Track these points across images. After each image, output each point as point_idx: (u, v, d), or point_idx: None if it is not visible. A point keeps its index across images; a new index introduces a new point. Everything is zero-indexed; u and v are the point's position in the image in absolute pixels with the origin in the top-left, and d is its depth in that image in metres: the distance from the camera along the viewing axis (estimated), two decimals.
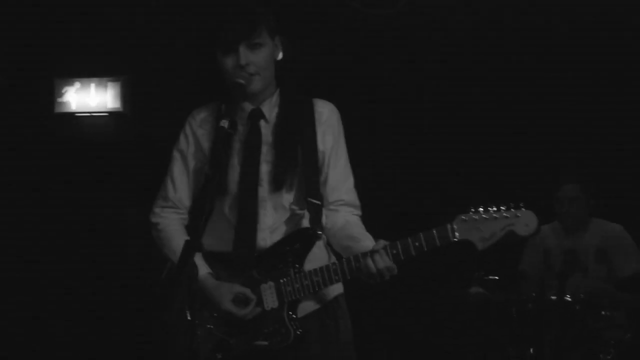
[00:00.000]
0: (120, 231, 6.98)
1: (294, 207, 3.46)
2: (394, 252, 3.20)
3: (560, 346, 5.11)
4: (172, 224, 3.55)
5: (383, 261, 3.20)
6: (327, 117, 3.52)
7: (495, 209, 3.15)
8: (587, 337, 5.14)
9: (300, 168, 3.43)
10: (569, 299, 5.15)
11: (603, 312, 5.21)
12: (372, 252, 3.22)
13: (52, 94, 7.27)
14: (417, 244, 3.19)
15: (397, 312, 6.56)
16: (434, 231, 3.19)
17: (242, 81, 3.30)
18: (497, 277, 5.42)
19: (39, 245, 7.01)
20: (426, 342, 6.57)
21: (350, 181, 3.57)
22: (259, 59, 3.36)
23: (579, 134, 6.37)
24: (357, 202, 3.58)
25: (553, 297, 5.15)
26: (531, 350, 5.21)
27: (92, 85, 7.25)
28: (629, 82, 6.32)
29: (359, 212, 3.58)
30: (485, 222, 3.13)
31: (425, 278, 6.17)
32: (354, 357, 3.52)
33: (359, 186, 3.62)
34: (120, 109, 7.21)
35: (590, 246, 5.69)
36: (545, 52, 6.44)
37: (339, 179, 3.52)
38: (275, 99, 3.51)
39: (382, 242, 3.25)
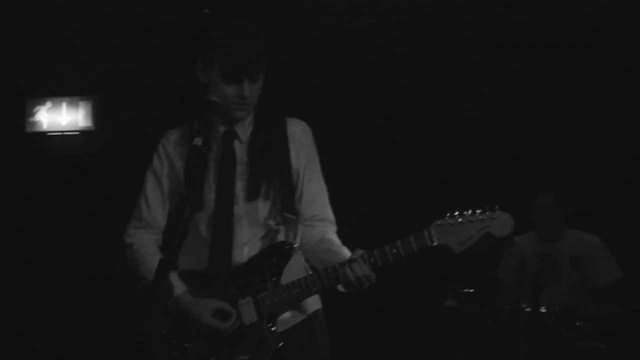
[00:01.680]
0: (93, 250, 6.95)
1: (269, 222, 3.46)
2: (372, 260, 3.21)
3: (535, 357, 5.12)
4: (146, 244, 3.53)
5: (361, 269, 3.20)
6: (299, 135, 3.53)
7: (470, 212, 3.18)
8: (561, 348, 5.15)
9: (274, 183, 3.44)
10: (543, 311, 5.16)
11: (577, 323, 5.23)
12: (350, 261, 3.23)
13: (23, 114, 7.26)
14: (394, 250, 3.20)
15: (372, 326, 6.56)
16: (411, 237, 3.20)
17: (241, 114, 3.36)
18: (471, 290, 5.44)
19: (9, 263, 6.97)
20: (401, 355, 6.57)
21: (325, 197, 3.58)
22: (257, 91, 3.40)
23: (557, 143, 6.40)
24: (332, 217, 3.58)
25: (527, 309, 5.17)
26: None
27: (64, 104, 7.25)
28: (610, 90, 6.36)
29: (335, 228, 3.58)
30: (462, 226, 3.16)
31: (400, 291, 6.18)
32: None
33: (336, 194, 3.62)
34: (92, 128, 7.22)
35: (566, 251, 5.73)
36: (523, 60, 6.47)
37: (314, 195, 3.53)
38: (249, 119, 3.52)
39: (360, 251, 3.26)
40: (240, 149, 3.48)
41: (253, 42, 3.37)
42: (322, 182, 3.58)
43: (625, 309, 5.62)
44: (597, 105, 6.38)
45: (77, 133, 7.28)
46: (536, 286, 5.22)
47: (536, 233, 5.86)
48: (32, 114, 7.27)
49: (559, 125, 6.43)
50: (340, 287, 3.30)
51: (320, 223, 3.53)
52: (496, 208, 3.17)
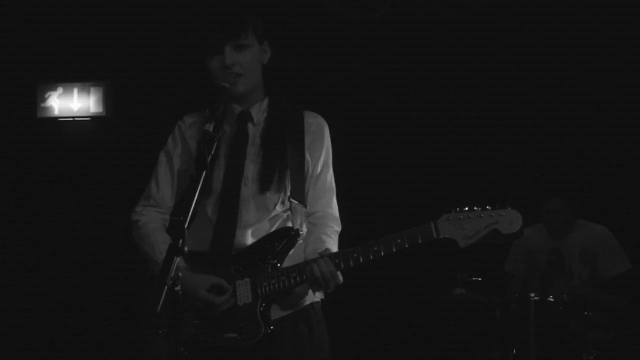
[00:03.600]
0: (104, 235, 6.96)
1: (278, 208, 3.45)
2: (375, 248, 3.20)
3: (544, 347, 5.13)
4: (152, 221, 3.54)
5: (327, 265, 3.21)
6: (315, 128, 3.54)
7: (480, 208, 3.17)
8: (570, 338, 5.17)
9: (287, 170, 3.44)
10: (552, 300, 5.17)
11: (586, 313, 5.24)
12: (317, 258, 3.25)
13: (34, 99, 7.25)
14: (398, 240, 3.19)
15: (380, 315, 6.57)
16: (417, 228, 3.20)
17: (226, 84, 3.32)
18: (480, 279, 5.44)
19: (20, 250, 6.98)
20: (410, 344, 6.58)
21: (330, 193, 3.56)
22: (244, 59, 3.38)
23: (566, 137, 6.40)
24: (335, 214, 3.56)
25: (536, 298, 5.17)
26: (514, 351, 5.23)
27: (75, 90, 7.23)
28: (617, 88, 6.35)
29: (337, 226, 3.55)
30: (469, 221, 3.15)
31: (408, 280, 6.18)
32: None
33: (346, 189, 3.62)
34: (103, 114, 7.20)
35: (575, 246, 5.73)
36: (531, 56, 6.47)
37: (320, 190, 3.52)
38: (265, 104, 3.53)
39: (328, 250, 3.28)
40: (253, 131, 3.49)
41: (228, 10, 3.41)
42: (330, 179, 3.57)
43: (634, 299, 5.62)
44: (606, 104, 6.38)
45: (88, 119, 7.28)
46: (545, 280, 5.22)
47: (545, 227, 5.85)
48: (44, 99, 7.26)
49: (567, 119, 6.43)
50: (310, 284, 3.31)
51: (321, 221, 3.51)
52: (507, 205, 3.16)
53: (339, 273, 3.24)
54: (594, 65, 6.35)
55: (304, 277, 3.27)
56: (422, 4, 6.44)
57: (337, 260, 3.23)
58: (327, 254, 3.25)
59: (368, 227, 3.45)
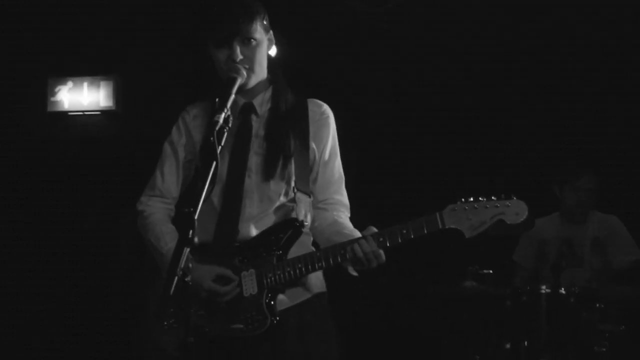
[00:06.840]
0: (113, 229, 6.97)
1: (282, 199, 3.45)
2: (380, 239, 3.20)
3: (555, 339, 5.11)
4: (157, 212, 3.54)
5: (370, 245, 3.19)
6: (320, 116, 3.53)
7: (486, 199, 3.16)
8: (581, 330, 5.15)
9: (290, 162, 3.44)
10: (563, 292, 5.15)
11: (597, 305, 5.21)
12: (359, 238, 3.23)
13: (45, 93, 7.28)
14: (404, 231, 3.18)
15: (391, 307, 6.57)
16: (422, 219, 3.19)
17: (235, 75, 3.31)
18: (491, 271, 5.43)
19: (30, 245, 7.00)
20: (421, 337, 6.57)
21: (340, 181, 3.57)
22: (252, 54, 3.37)
23: (576, 128, 6.38)
24: (346, 201, 3.57)
25: (547, 290, 5.16)
26: (525, 343, 5.21)
27: (85, 84, 7.26)
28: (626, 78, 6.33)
29: (348, 213, 3.56)
30: (475, 211, 3.13)
31: (419, 273, 6.18)
32: (336, 354, 3.47)
33: (352, 177, 3.62)
34: (113, 108, 7.23)
35: (587, 237, 5.71)
36: (537, 46, 6.45)
37: (329, 178, 3.53)
38: (268, 94, 3.52)
39: (372, 229, 3.25)
40: (257, 123, 3.49)
41: (238, 3, 3.37)
42: (339, 166, 3.57)
43: None
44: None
45: (98, 113, 7.30)
46: (556, 270, 5.20)
47: (559, 215, 5.83)
48: (54, 94, 7.30)
49: (581, 107, 6.41)
50: (350, 270, 3.29)
51: (334, 207, 3.52)
52: (512, 196, 3.14)
53: (382, 252, 3.22)
54: (594, 64, 6.32)
55: (319, 265, 3.27)
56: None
57: (381, 239, 3.21)
58: (370, 233, 3.23)
59: (373, 218, 3.42)
